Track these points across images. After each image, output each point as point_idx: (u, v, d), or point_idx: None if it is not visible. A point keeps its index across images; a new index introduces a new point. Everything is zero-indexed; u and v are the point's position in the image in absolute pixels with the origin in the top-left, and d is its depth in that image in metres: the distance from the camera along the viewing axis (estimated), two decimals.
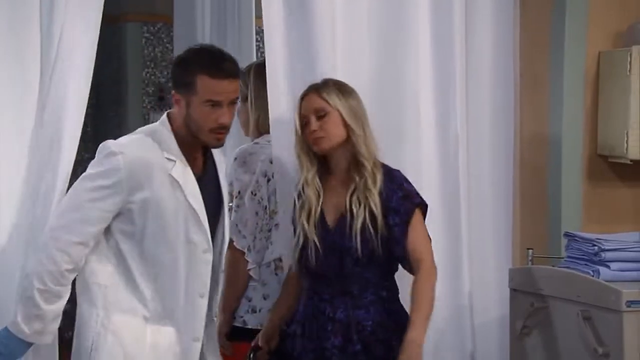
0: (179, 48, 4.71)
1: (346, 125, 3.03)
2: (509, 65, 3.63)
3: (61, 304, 2.80)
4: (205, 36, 4.61)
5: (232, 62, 2.83)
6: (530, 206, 3.67)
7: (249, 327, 3.29)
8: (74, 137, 3.01)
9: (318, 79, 3.13)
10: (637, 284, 3.12)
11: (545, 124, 3.63)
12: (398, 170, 3.10)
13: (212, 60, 2.80)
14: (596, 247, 3.22)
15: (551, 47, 3.60)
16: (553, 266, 3.43)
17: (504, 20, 3.63)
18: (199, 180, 2.87)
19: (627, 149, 3.43)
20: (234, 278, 3.30)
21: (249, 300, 3.33)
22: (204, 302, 2.87)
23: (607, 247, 3.21)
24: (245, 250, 3.30)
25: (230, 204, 3.30)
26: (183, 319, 2.84)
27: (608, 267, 3.18)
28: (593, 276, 3.19)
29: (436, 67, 3.50)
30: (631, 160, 3.45)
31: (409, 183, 3.07)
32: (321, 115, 3.03)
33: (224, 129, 2.83)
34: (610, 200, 3.60)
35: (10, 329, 2.79)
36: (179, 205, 2.81)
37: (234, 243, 3.29)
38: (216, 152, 2.98)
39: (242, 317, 3.33)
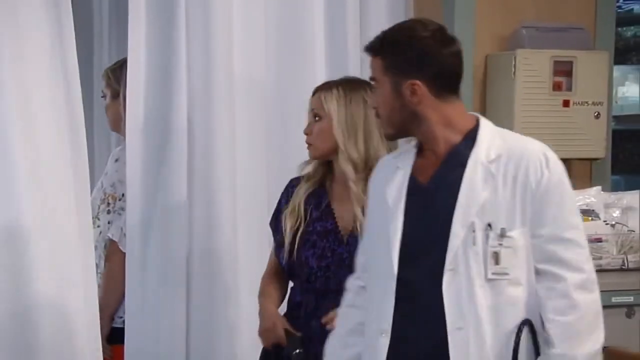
0: (78, 42, 4.65)
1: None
2: None
3: None
4: (103, 30, 4.57)
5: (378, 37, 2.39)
6: None
7: None
8: None
9: (216, 77, 3.15)
10: None
11: None
12: None
13: None
14: None
15: None
16: None
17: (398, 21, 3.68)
18: (423, 190, 2.33)
19: None
20: (117, 279, 3.23)
21: None
22: (385, 342, 2.29)
23: None
24: None
25: (111, 207, 3.27)
26: None
27: None
28: None
29: (331, 65, 3.54)
30: None
31: None
32: None
33: None
34: None
35: None
36: (380, 218, 2.38)
37: (119, 245, 3.22)
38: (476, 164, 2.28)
39: (121, 317, 3.25)
